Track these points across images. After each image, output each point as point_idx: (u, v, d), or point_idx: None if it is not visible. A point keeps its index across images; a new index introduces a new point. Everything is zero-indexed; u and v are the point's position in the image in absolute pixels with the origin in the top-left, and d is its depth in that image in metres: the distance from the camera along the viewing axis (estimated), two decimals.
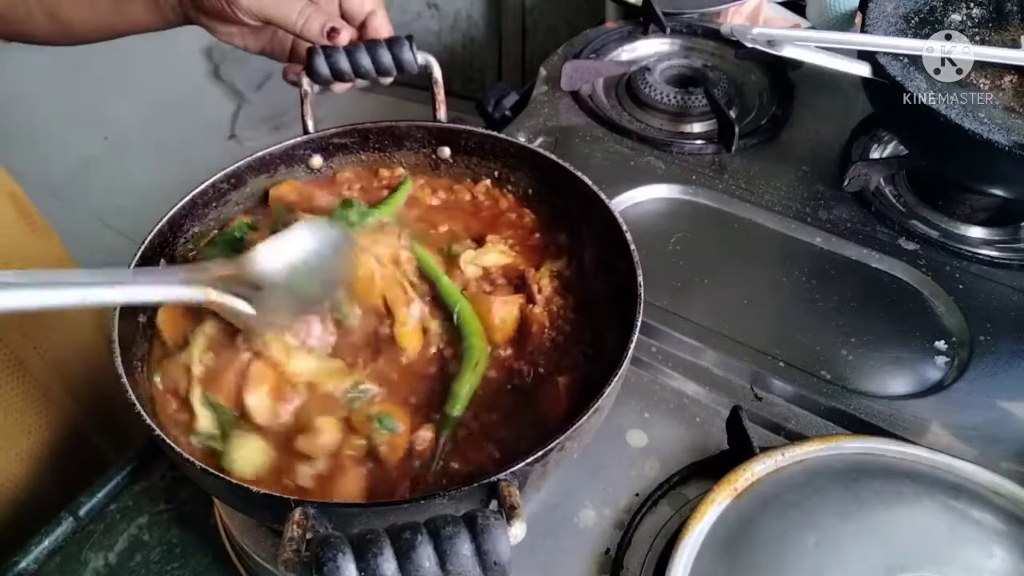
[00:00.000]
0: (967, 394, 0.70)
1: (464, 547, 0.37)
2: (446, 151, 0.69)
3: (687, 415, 0.69)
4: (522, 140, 0.68)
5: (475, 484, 0.42)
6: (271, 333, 0.53)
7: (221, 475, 0.46)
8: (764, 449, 0.61)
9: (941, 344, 0.74)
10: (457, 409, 0.54)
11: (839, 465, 0.60)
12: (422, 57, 0.64)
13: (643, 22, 1.13)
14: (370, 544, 0.36)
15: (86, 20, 0.71)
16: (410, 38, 0.64)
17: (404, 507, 0.42)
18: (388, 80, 0.66)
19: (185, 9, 0.67)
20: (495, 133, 0.67)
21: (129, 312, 0.54)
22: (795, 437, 0.66)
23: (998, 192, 0.84)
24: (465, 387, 0.55)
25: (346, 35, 0.62)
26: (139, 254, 0.56)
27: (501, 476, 0.43)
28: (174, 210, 0.59)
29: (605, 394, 0.48)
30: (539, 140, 0.96)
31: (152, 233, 0.57)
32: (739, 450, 0.62)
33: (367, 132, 0.68)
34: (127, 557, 0.63)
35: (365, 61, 0.63)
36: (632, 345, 0.50)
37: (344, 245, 0.57)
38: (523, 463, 0.44)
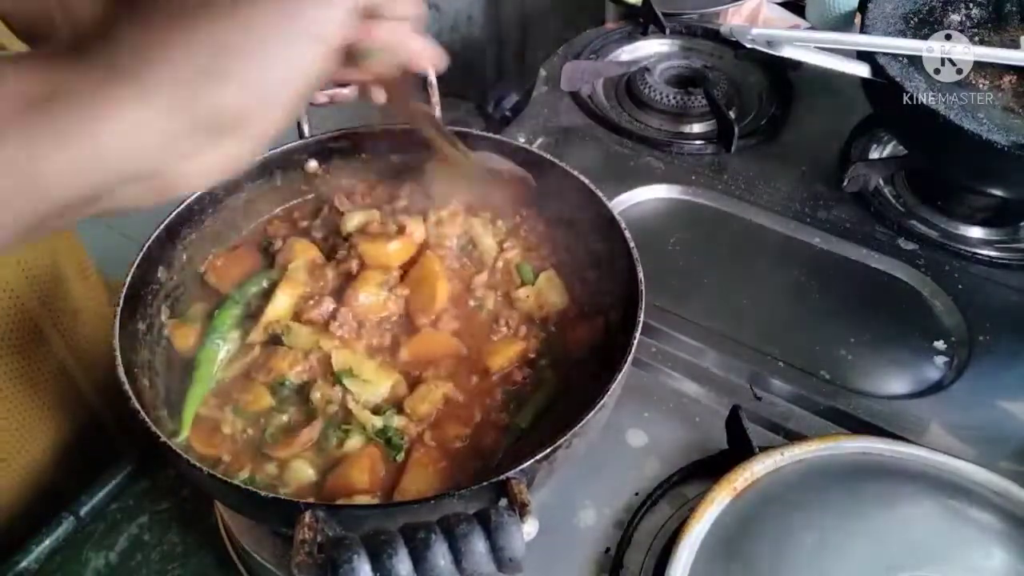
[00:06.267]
0: (966, 394, 0.70)
1: (479, 545, 0.37)
2: None
3: (687, 415, 0.69)
4: (522, 141, 0.68)
5: (484, 483, 0.43)
6: None
7: (229, 480, 0.46)
8: (764, 449, 0.61)
9: (940, 344, 0.74)
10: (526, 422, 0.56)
11: (838, 465, 0.60)
12: None
13: (643, 23, 1.13)
14: (384, 544, 0.36)
15: None
16: None
17: (414, 507, 0.42)
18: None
19: None
20: (490, 134, 0.67)
21: (129, 319, 0.54)
22: (795, 437, 0.66)
23: (997, 192, 0.84)
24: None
25: None
26: (136, 263, 0.55)
27: (510, 474, 0.43)
28: (170, 218, 0.59)
29: (609, 391, 0.48)
30: (539, 141, 0.96)
31: (150, 240, 0.57)
32: (739, 450, 0.62)
33: (362, 136, 0.68)
34: (128, 556, 0.63)
35: None
36: (635, 343, 0.51)
37: None
38: (532, 460, 0.44)
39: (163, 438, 0.46)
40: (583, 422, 0.46)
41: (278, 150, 0.65)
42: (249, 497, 0.45)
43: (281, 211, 0.69)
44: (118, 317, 0.51)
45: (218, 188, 0.63)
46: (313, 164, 0.68)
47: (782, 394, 0.71)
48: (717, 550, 0.55)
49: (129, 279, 0.54)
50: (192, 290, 0.63)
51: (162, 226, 0.59)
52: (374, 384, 0.57)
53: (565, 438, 0.45)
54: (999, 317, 0.76)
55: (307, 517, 0.40)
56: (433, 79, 0.66)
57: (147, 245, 0.57)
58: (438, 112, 0.67)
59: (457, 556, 0.37)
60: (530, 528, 0.39)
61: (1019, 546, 0.54)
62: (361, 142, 0.68)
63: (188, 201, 0.61)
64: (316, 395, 0.56)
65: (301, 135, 0.66)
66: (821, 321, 0.77)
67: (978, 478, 0.59)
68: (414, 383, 0.57)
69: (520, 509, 0.40)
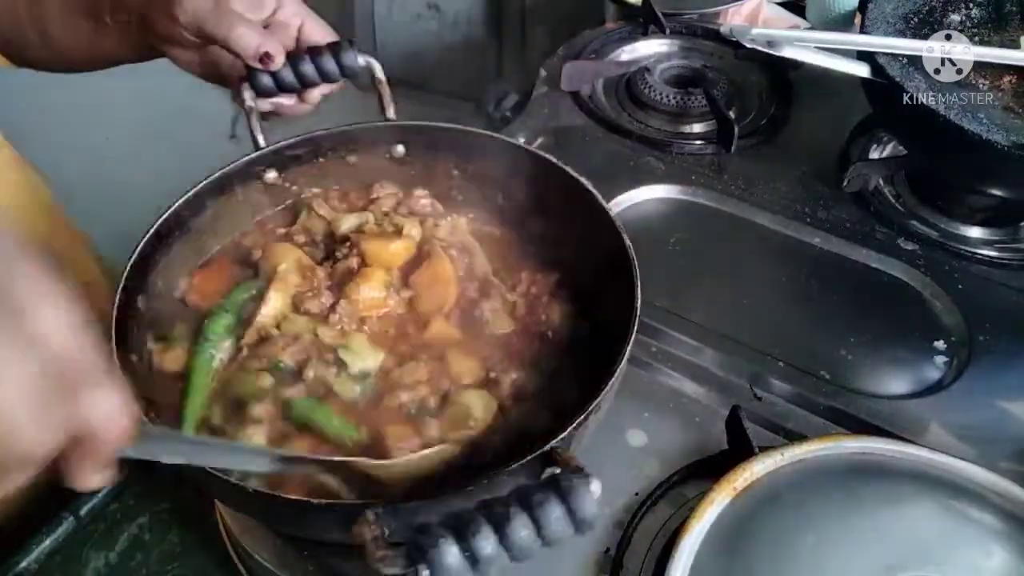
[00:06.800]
0: (966, 394, 0.70)
1: (556, 511, 0.37)
2: (399, 149, 0.69)
3: (687, 415, 0.69)
4: (522, 141, 0.68)
5: (530, 457, 0.43)
6: None
7: (280, 495, 0.45)
8: (764, 449, 0.61)
9: (940, 344, 0.74)
10: None
11: (838, 465, 0.60)
12: (363, 59, 0.64)
13: (643, 23, 1.13)
14: (468, 523, 0.37)
15: (72, 44, 0.71)
16: (350, 41, 0.63)
17: (468, 491, 0.43)
18: (324, 89, 0.66)
19: (147, 37, 0.66)
20: (453, 126, 0.66)
21: (122, 341, 0.53)
22: (795, 437, 0.66)
23: (997, 192, 0.84)
24: None
25: (280, 61, 0.62)
26: (116, 304, 0.53)
27: (553, 443, 0.44)
28: (140, 246, 0.57)
29: (619, 368, 0.49)
30: (539, 140, 0.96)
31: (126, 270, 0.55)
32: (738, 450, 0.62)
33: (319, 140, 0.67)
34: (128, 556, 0.63)
35: (308, 69, 0.62)
36: (631, 340, 0.51)
37: None
38: (570, 427, 0.45)
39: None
40: (605, 391, 0.48)
41: (236, 164, 0.64)
42: (303, 508, 0.44)
43: (252, 225, 0.68)
44: (113, 337, 0.50)
45: (182, 209, 0.61)
46: (272, 175, 0.67)
47: (782, 394, 0.71)
48: (717, 550, 0.55)
49: (115, 311, 0.52)
50: (173, 312, 0.61)
51: (134, 255, 0.57)
52: (363, 356, 0.58)
53: (595, 402, 0.47)
54: (999, 317, 0.76)
55: (369, 515, 0.40)
56: (381, 76, 0.65)
57: (124, 277, 0.55)
58: (391, 108, 0.67)
59: (538, 524, 0.37)
60: (595, 488, 0.39)
61: (1019, 546, 0.54)
62: (318, 147, 0.67)
63: (155, 226, 0.59)
64: (310, 374, 0.56)
65: (256, 146, 0.65)
66: (821, 321, 0.77)
67: (978, 478, 0.59)
68: (403, 361, 0.58)
69: (577, 472, 0.40)
